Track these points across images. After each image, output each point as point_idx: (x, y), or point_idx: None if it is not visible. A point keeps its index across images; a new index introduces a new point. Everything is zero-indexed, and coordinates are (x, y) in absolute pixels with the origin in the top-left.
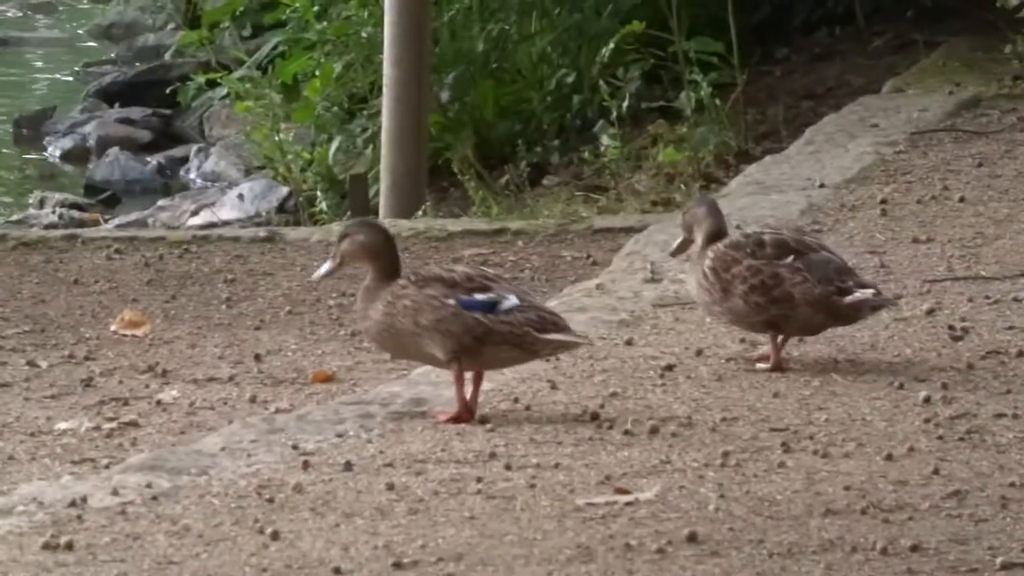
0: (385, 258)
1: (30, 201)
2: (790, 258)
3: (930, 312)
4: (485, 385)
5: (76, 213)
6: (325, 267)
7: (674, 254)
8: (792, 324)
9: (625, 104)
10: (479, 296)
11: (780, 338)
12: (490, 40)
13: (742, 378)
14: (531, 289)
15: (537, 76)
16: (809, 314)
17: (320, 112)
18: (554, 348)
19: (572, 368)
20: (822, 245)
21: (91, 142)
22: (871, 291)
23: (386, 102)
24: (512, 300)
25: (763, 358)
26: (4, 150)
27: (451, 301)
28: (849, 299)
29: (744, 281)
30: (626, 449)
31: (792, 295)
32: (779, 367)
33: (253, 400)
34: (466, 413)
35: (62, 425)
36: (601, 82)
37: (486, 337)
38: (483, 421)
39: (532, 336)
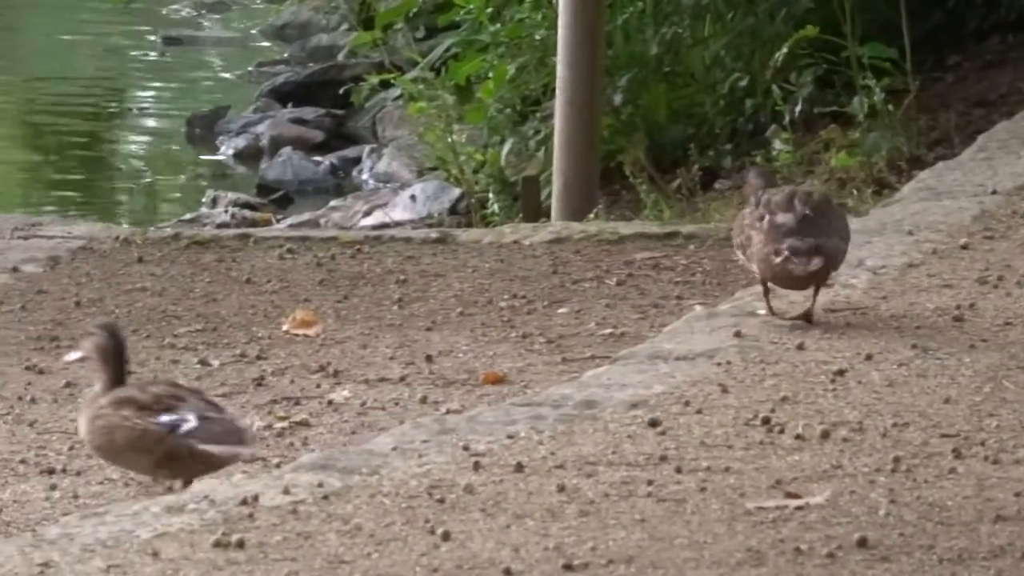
0: (110, 367)
1: (203, 200)
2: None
3: None
4: (657, 388)
5: (248, 212)
6: (74, 354)
7: None
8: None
9: (798, 109)
10: (163, 418)
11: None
12: (663, 43)
13: (913, 384)
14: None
15: (710, 80)
16: (763, 269)
17: (493, 114)
18: (224, 460)
19: (743, 372)
20: (796, 202)
21: (264, 142)
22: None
23: (559, 104)
24: (191, 423)
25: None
26: (177, 149)
27: (140, 422)
28: (776, 260)
29: (732, 228)
30: (797, 453)
31: (753, 253)
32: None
33: (424, 401)
34: None
35: None
36: (774, 86)
37: (173, 454)
38: (654, 424)
39: (200, 450)
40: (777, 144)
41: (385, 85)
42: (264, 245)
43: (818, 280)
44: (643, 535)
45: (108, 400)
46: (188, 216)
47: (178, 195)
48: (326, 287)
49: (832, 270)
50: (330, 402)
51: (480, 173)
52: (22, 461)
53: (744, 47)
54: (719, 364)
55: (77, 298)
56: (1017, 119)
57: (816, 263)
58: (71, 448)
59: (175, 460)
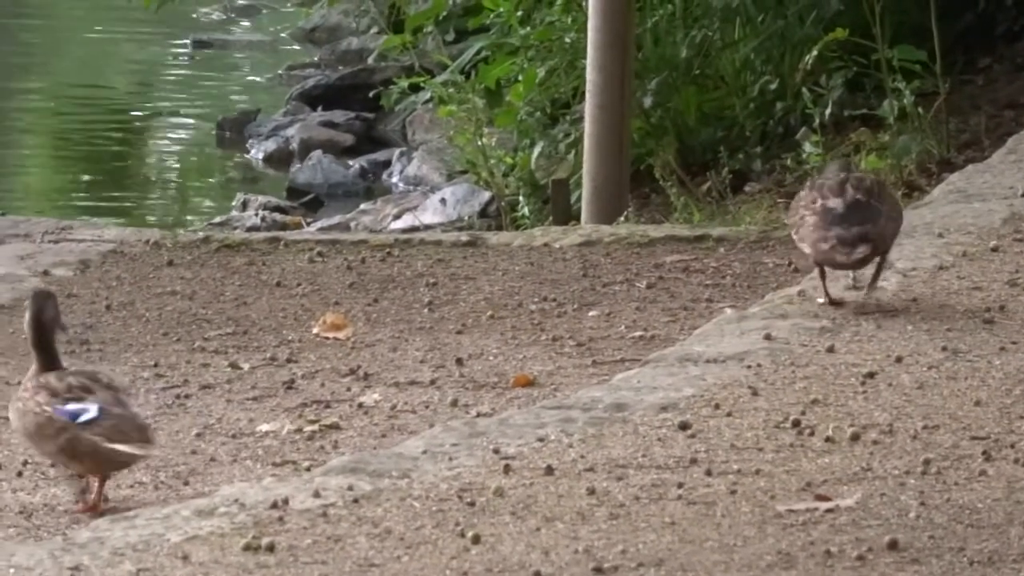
0: (36, 347)
1: (233, 203)
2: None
3: None
4: (687, 391)
5: (278, 216)
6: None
7: None
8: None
9: (828, 111)
10: (68, 407)
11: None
12: (693, 46)
13: (943, 386)
14: (136, 392)
15: (740, 83)
16: (814, 252)
17: (523, 117)
18: (122, 458)
19: (773, 375)
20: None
21: (294, 145)
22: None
23: (589, 108)
24: (91, 412)
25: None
26: (207, 152)
27: (48, 409)
28: (824, 247)
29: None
30: (827, 456)
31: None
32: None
33: (454, 404)
34: (94, 507)
35: (264, 427)
36: (804, 89)
37: (74, 444)
38: (684, 427)
39: (99, 445)
40: (807, 147)
41: (415, 88)
42: (294, 248)
43: (867, 262)
44: (673, 538)
45: (31, 384)
46: (218, 219)
47: (208, 198)
48: (356, 290)
49: (884, 252)
50: (360, 405)
51: (510, 176)
52: (52, 465)
53: (774, 50)
54: (749, 367)
55: (107, 301)
56: None
57: (861, 251)
58: None
59: (76, 451)
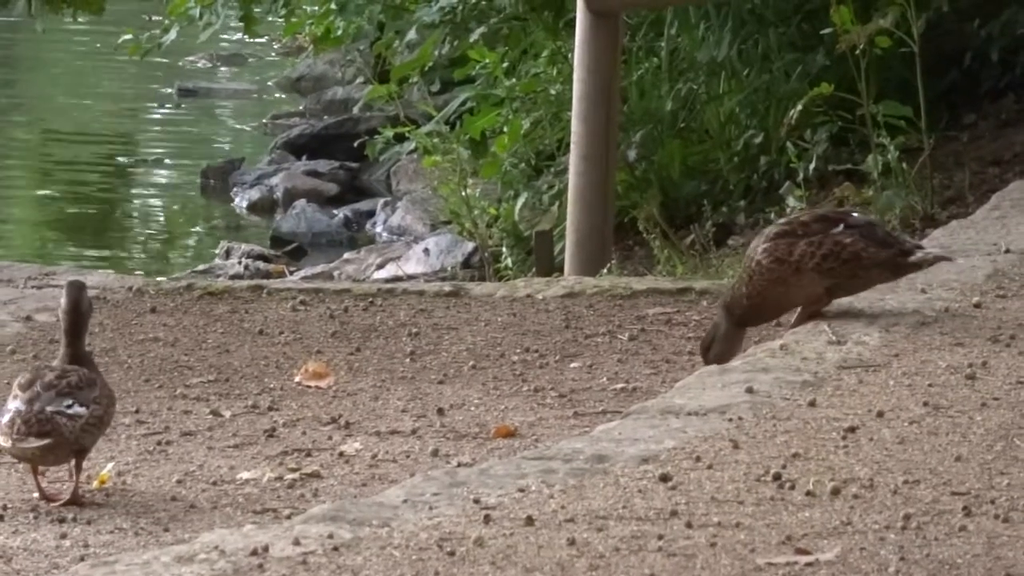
0: (68, 334)
1: (216, 251)
2: (839, 227)
3: None
4: (668, 443)
5: (262, 264)
6: None
7: None
8: (858, 284)
9: (812, 166)
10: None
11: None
12: (678, 100)
13: (924, 441)
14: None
15: (724, 136)
16: (877, 274)
17: (507, 168)
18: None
19: (755, 428)
20: (856, 211)
21: (278, 194)
22: (930, 251)
23: (573, 159)
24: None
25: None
26: (191, 200)
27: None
28: (913, 258)
29: (813, 256)
30: (807, 510)
31: (859, 255)
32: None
33: (435, 454)
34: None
35: (244, 475)
36: (788, 143)
37: None
38: (665, 479)
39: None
40: (791, 201)
41: (400, 138)
42: (277, 296)
43: None
44: None
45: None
46: (201, 267)
47: (192, 246)
48: (338, 339)
49: None
50: (341, 454)
51: (494, 227)
52: (33, 509)
53: (759, 104)
54: (730, 420)
55: (89, 347)
56: None
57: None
58: (81, 497)
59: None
